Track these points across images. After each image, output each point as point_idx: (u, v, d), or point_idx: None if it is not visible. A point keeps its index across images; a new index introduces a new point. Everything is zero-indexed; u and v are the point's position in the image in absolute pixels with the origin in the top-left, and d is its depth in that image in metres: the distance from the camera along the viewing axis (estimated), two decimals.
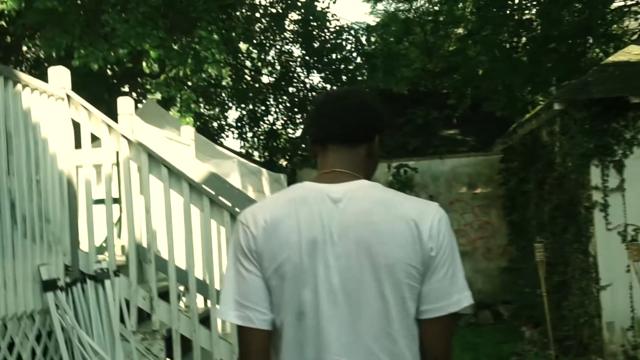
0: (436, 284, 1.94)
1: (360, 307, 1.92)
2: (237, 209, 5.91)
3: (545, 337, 9.99)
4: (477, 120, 16.48)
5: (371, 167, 2.17)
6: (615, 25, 17.34)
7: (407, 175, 14.69)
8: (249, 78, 18.42)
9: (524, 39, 16.79)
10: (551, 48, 15.85)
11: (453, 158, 15.12)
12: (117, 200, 6.18)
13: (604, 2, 15.68)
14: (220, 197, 6.00)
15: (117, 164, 6.27)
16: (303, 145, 17.42)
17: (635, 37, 15.90)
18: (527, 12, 17.18)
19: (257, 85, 18.51)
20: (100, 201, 6.06)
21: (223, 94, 18.96)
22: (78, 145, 5.87)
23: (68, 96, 5.80)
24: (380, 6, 22.70)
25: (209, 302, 6.05)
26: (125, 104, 6.62)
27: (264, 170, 13.33)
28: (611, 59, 10.24)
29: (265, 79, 19.10)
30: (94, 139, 5.94)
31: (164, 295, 5.71)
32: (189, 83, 16.48)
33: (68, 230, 5.52)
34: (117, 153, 6.06)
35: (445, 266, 1.96)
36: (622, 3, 17.59)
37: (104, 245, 5.92)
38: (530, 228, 11.76)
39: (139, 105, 13.97)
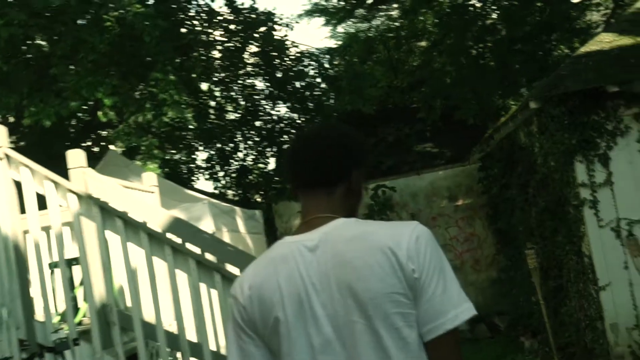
0: (428, 304, 1.90)
1: (356, 349, 1.89)
2: (207, 255, 5.50)
3: (546, 345, 9.55)
4: (450, 132, 16.19)
5: (354, 202, 2.14)
6: (578, 20, 17.14)
7: (386, 195, 14.41)
8: (213, 117, 17.94)
9: (489, 44, 16.51)
10: (517, 49, 15.61)
11: (430, 172, 14.83)
12: (77, 260, 5.68)
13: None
14: (188, 244, 5.55)
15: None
16: (277, 178, 17.02)
17: (599, 29, 15.69)
18: (489, 16, 16.97)
19: (222, 123, 18.04)
20: (55, 264, 5.57)
21: (188, 137, 18.42)
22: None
23: (7, 155, 5.32)
24: (340, 29, 22.39)
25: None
26: (75, 157, 6.11)
27: (237, 208, 12.89)
28: (583, 49, 9.86)
29: (230, 116, 18.62)
30: None
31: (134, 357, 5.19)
32: (152, 129, 16.05)
33: (20, 300, 5.01)
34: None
35: (433, 284, 1.91)
36: None
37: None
38: (518, 234, 11.35)
39: (104, 158, 13.44)
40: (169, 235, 5.63)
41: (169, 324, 5.73)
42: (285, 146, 17.11)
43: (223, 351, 5.57)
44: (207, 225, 10.82)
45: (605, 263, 8.76)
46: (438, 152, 16.31)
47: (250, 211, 13.77)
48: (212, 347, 5.44)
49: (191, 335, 5.39)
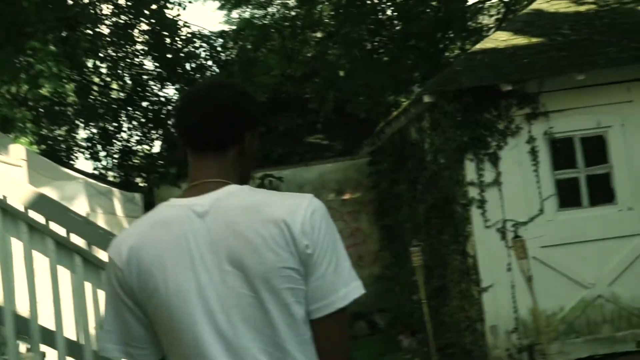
0: (319, 281, 1.85)
1: (243, 323, 1.83)
2: (72, 235, 4.99)
3: (425, 345, 9.40)
4: (342, 125, 16.02)
5: (245, 167, 2.04)
6: (471, 22, 17.25)
7: (273, 185, 13.93)
8: (97, 94, 17.13)
9: (384, 38, 16.39)
10: (411, 45, 15.54)
11: (319, 164, 14.52)
12: None
13: None
14: (53, 224, 5.02)
15: None
16: (160, 162, 16.41)
17: (491, 31, 15.79)
18: (385, 11, 16.85)
19: (106, 101, 17.24)
20: None
21: (69, 112, 17.49)
22: None
23: None
24: (234, 14, 21.88)
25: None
26: None
27: (115, 190, 12.26)
28: (479, 46, 9.74)
29: (115, 95, 17.84)
30: None
31: None
32: (28, 102, 15.16)
33: None
34: None
35: (326, 260, 1.86)
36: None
37: None
38: (405, 231, 11.18)
39: None
40: (31, 213, 5.08)
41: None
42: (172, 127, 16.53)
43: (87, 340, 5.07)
44: (80, 205, 10.18)
45: (489, 264, 8.64)
46: (328, 145, 16.11)
47: (129, 194, 13.16)
48: (71, 335, 4.94)
49: (48, 322, 4.87)
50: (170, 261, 1.86)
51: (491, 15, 19.10)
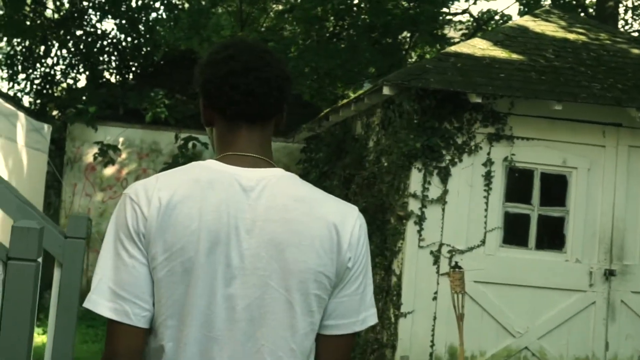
0: (346, 298, 1.79)
1: (263, 318, 1.71)
2: None
3: None
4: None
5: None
6: (439, 30, 16.41)
7: (195, 150, 13.10)
8: (28, 10, 15.64)
9: (346, 24, 15.41)
10: (373, 38, 14.61)
11: None
12: None
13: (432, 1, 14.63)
14: None
15: None
16: (83, 98, 15.08)
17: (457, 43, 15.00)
18: None
19: (37, 20, 15.78)
20: None
21: None
22: None
23: None
24: None
25: None
26: None
27: (21, 114, 10.89)
28: (453, 48, 8.80)
29: (49, 15, 16.39)
30: None
31: None
32: None
33: None
34: None
35: (359, 280, 1.80)
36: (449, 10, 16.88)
37: None
38: None
39: None
40: None
41: None
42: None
43: None
44: None
45: (414, 288, 7.73)
46: None
47: (37, 123, 11.83)
48: None
49: None
50: (207, 228, 1.70)
51: (459, 29, 18.42)
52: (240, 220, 1.71)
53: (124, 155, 13.23)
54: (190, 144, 12.95)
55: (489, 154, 7.94)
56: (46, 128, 12.11)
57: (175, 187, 1.73)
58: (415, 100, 7.74)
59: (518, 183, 8.11)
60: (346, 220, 1.77)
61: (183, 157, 12.86)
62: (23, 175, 10.87)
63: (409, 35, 15.31)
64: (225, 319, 1.70)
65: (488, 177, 7.91)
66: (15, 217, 4.55)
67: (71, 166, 13.29)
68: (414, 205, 7.80)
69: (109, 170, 13.24)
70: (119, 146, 13.15)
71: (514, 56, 8.55)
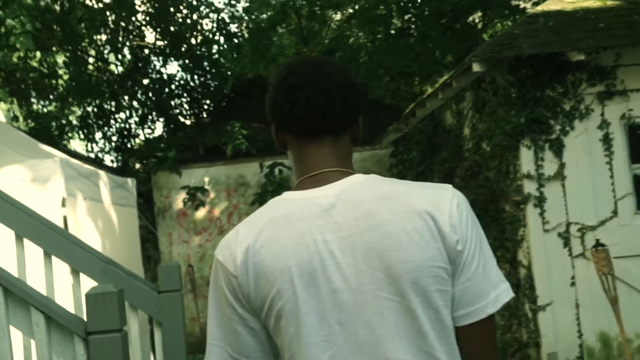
0: (469, 282, 1.63)
1: (387, 333, 1.60)
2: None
3: None
4: (364, 110, 14.28)
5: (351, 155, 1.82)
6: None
7: (282, 175, 12.64)
8: (92, 68, 15.49)
9: (412, 17, 14.71)
10: (444, 24, 13.88)
11: None
12: None
13: None
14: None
15: None
16: (161, 145, 14.85)
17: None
18: None
19: (104, 77, 15.62)
20: None
21: (60, 87, 15.82)
22: None
23: None
24: None
25: None
26: None
27: (102, 172, 10.56)
28: (540, 8, 7.98)
29: (113, 69, 16.22)
30: None
31: None
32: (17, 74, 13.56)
33: None
34: None
35: (476, 259, 1.64)
36: None
37: None
38: None
39: None
40: None
41: None
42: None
43: None
44: (55, 188, 8.59)
45: (548, 277, 6.95)
46: None
47: (120, 178, 11.53)
48: None
49: None
50: (296, 263, 1.61)
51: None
52: (330, 242, 1.62)
53: (212, 195, 12.92)
54: (276, 171, 12.56)
55: (602, 114, 7.18)
56: (130, 182, 11.82)
57: (255, 232, 1.67)
58: (509, 73, 7.01)
59: None
60: (440, 202, 1.63)
61: (272, 184, 12.49)
62: (115, 234, 10.63)
63: (480, 14, 14.47)
64: (350, 346, 1.60)
65: (607, 140, 7.16)
66: (100, 280, 4.07)
67: (163, 216, 13.05)
68: (530, 187, 7.06)
69: (201, 213, 12.95)
70: (206, 186, 12.86)
71: (609, 3, 7.70)
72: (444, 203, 1.62)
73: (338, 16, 18.87)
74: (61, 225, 7.87)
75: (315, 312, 1.61)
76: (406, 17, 14.79)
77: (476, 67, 6.99)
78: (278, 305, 1.62)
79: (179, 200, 12.86)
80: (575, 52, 6.76)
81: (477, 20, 14.94)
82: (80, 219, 9.02)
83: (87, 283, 3.95)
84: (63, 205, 8.41)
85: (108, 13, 14.63)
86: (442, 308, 1.61)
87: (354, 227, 1.62)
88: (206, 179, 12.96)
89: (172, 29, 14.78)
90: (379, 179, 1.71)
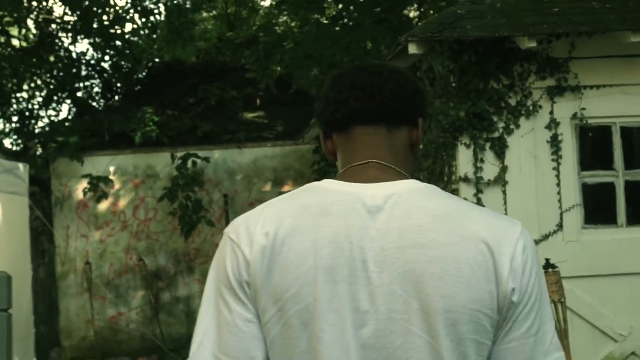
0: (515, 343, 1.42)
1: None
2: None
3: None
4: (286, 102, 13.77)
5: (414, 164, 1.63)
6: None
7: (196, 168, 11.79)
8: None
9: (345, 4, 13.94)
10: (378, 13, 13.14)
11: (255, 147, 12.47)
12: None
13: None
14: None
15: None
16: (63, 129, 13.73)
17: None
18: None
19: (5, 52, 14.41)
20: None
21: None
22: None
23: None
24: None
25: None
26: None
27: None
28: None
29: (16, 45, 15.02)
30: None
31: None
32: None
33: None
34: None
35: (531, 317, 1.42)
36: None
37: None
38: None
39: None
40: None
41: None
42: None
43: None
44: None
45: None
46: (267, 124, 13.73)
47: (10, 163, 10.36)
48: None
49: None
50: (325, 266, 1.40)
51: None
52: (367, 250, 1.41)
53: (117, 186, 12.02)
54: (189, 162, 11.70)
55: (551, 113, 6.55)
56: (22, 167, 10.67)
57: (282, 218, 1.45)
58: (449, 58, 6.19)
59: (594, 145, 6.89)
60: (504, 238, 1.39)
61: (183, 177, 11.63)
62: None
63: (416, 5, 13.80)
64: None
65: (555, 142, 6.55)
66: None
67: (60, 207, 12.02)
68: (466, 192, 6.39)
69: (103, 205, 12.03)
70: (110, 176, 11.91)
71: None
72: (509, 240, 1.40)
73: (267, 2, 18.27)
74: None
75: (334, 330, 1.39)
76: (340, 5, 14.00)
77: (412, 49, 6.13)
78: (292, 311, 1.40)
79: (80, 190, 11.85)
80: (526, 38, 6.00)
81: (412, 15, 14.27)
82: None
83: None
84: None
85: None
86: None
87: (397, 240, 1.41)
88: (111, 169, 12.02)
89: (83, 3, 13.64)
90: (439, 191, 1.51)
